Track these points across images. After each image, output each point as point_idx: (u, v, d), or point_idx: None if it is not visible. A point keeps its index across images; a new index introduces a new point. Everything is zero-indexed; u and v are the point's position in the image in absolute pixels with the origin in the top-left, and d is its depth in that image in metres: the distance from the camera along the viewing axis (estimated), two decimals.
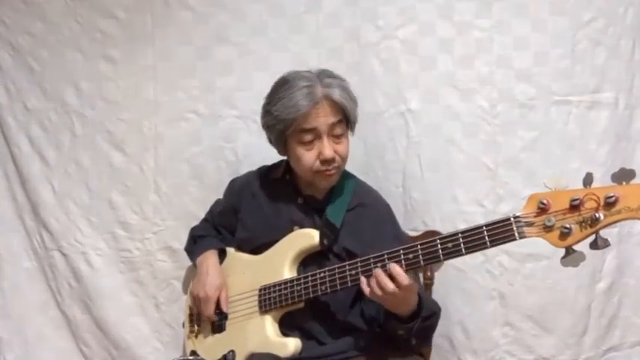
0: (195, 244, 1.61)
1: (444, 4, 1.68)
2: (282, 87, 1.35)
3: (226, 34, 1.77)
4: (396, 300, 1.20)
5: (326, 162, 1.34)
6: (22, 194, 1.87)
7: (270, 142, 1.44)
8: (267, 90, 1.42)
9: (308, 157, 1.34)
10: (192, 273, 1.62)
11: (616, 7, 1.65)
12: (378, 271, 1.19)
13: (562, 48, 1.65)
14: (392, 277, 1.18)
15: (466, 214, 1.68)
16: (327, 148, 1.33)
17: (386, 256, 1.21)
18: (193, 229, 1.66)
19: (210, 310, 1.46)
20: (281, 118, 1.32)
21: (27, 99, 1.85)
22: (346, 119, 1.37)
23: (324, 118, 1.32)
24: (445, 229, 1.61)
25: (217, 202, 1.67)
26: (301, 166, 1.37)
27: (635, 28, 1.66)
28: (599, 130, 1.67)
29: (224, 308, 1.47)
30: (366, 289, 1.22)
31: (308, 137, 1.33)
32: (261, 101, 1.43)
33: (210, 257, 1.53)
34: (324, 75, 1.35)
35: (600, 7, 1.65)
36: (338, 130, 1.35)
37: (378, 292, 1.19)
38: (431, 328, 1.35)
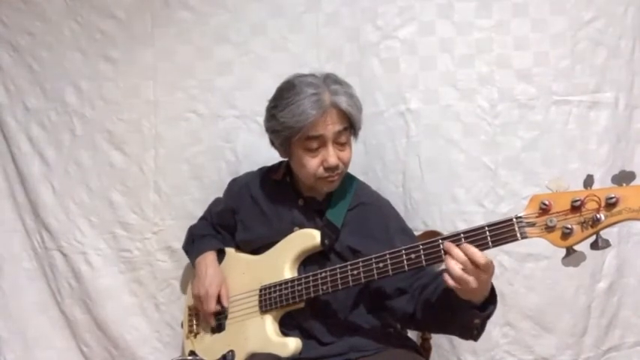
0: (194, 243, 1.61)
1: (444, 4, 1.68)
2: (288, 92, 1.33)
3: (226, 34, 1.77)
4: (479, 282, 1.11)
5: (330, 169, 1.35)
6: (22, 194, 1.87)
7: (273, 144, 1.43)
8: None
9: (312, 163, 1.34)
10: (191, 272, 1.62)
11: (616, 7, 1.65)
12: (468, 246, 1.10)
13: (562, 48, 1.65)
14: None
15: (466, 214, 1.69)
16: (332, 156, 1.33)
17: (388, 256, 1.21)
18: (192, 228, 1.66)
19: (211, 306, 1.46)
20: (288, 125, 1.31)
21: (27, 99, 1.84)
22: (351, 126, 1.37)
23: (330, 126, 1.32)
24: (445, 229, 1.62)
25: (216, 202, 1.66)
26: (304, 172, 1.37)
27: (635, 28, 1.66)
28: (599, 130, 1.67)
29: (224, 303, 1.46)
30: (454, 267, 1.09)
31: (313, 145, 1.33)
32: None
33: (208, 257, 1.54)
34: (330, 81, 1.34)
35: (600, 7, 1.65)
36: (343, 138, 1.35)
37: (470, 265, 1.09)
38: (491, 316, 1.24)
